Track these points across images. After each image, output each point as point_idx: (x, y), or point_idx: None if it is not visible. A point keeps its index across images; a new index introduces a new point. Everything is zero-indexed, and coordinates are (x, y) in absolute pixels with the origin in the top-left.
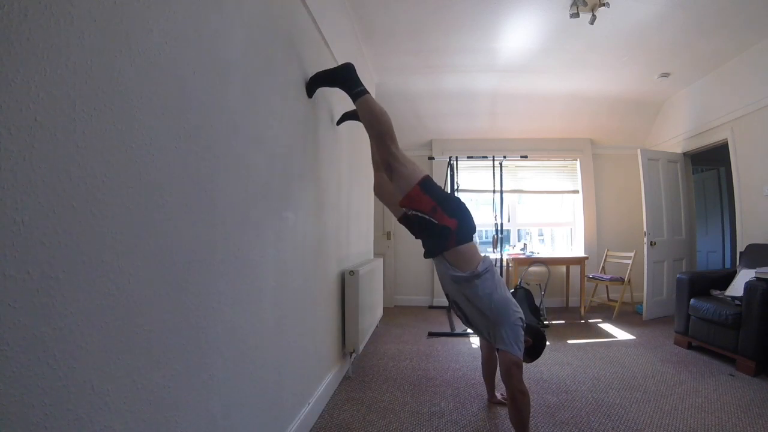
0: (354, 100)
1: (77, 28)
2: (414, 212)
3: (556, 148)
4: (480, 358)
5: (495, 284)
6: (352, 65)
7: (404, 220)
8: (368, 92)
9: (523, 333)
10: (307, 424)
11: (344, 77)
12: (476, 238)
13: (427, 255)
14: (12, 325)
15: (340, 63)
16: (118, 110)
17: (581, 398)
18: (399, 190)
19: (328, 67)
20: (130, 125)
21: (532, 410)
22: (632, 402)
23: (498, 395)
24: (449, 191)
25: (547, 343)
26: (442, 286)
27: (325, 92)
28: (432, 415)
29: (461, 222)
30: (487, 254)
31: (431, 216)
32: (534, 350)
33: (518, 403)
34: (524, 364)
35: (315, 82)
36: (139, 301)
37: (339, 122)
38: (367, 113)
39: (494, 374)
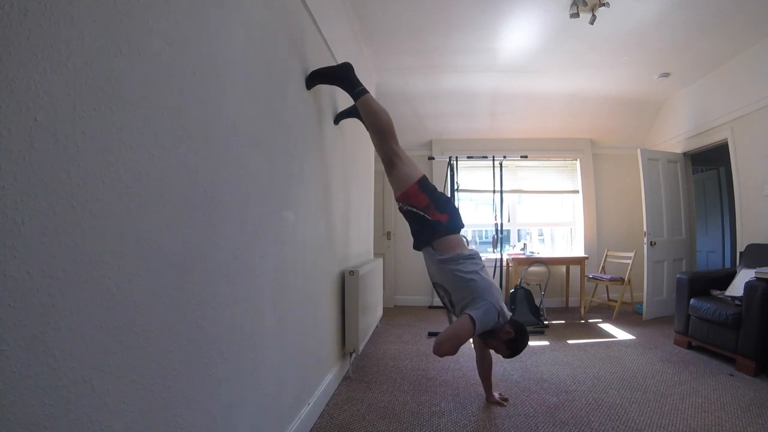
0: (355, 100)
1: (77, 28)
2: (409, 207)
3: (556, 148)
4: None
5: (479, 269)
6: (350, 65)
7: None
8: (368, 92)
9: (495, 319)
10: (307, 424)
11: (343, 77)
12: (476, 238)
13: (416, 246)
14: (12, 325)
15: (339, 63)
16: (118, 110)
17: (581, 398)
18: (396, 186)
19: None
20: (130, 125)
21: (532, 410)
22: (632, 402)
23: (496, 395)
24: (449, 191)
25: (529, 342)
26: (429, 275)
27: (324, 92)
28: (432, 415)
29: (450, 216)
30: (476, 250)
31: (425, 212)
32: (514, 344)
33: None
34: (516, 360)
35: (314, 78)
36: (139, 301)
37: (336, 121)
38: (369, 113)
39: (490, 373)
